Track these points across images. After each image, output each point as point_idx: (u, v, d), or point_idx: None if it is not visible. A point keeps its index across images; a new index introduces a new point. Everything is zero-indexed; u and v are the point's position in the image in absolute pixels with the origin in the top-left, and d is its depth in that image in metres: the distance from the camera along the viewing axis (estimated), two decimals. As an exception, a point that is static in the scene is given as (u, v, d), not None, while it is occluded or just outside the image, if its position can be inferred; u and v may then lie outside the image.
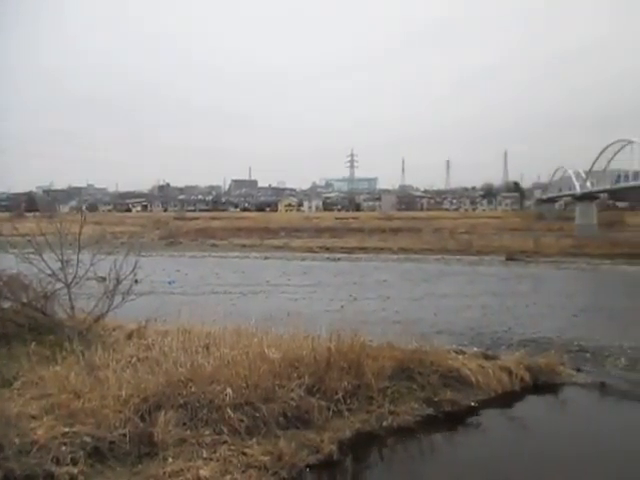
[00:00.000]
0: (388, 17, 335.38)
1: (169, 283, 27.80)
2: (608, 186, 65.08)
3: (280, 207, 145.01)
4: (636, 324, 18.35)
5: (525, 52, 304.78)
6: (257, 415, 8.08)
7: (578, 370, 12.31)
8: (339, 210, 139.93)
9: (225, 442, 7.48)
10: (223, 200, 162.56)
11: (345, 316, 13.10)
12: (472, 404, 10.13)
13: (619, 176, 62.58)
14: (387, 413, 9.17)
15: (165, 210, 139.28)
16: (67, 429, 7.06)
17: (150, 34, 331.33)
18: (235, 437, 7.65)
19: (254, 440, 7.65)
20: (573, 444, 8.98)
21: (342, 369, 9.53)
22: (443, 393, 10.13)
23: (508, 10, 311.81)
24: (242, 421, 7.89)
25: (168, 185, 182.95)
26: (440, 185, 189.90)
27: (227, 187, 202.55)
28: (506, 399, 10.64)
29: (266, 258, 43.82)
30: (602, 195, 77.97)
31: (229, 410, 7.92)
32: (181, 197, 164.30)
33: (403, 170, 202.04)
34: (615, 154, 60.56)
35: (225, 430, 7.70)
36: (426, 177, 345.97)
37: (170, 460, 6.93)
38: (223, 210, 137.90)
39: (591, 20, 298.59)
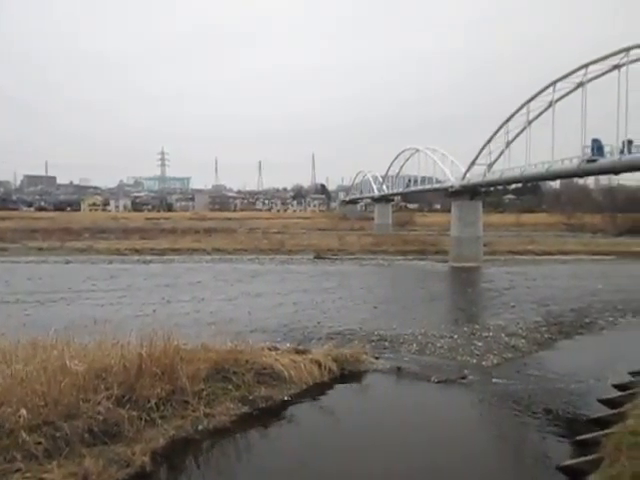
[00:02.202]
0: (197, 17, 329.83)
1: (-57, 294, 23.87)
2: (400, 189, 72.56)
3: (83, 206, 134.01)
4: (424, 312, 20.85)
5: (343, 58, 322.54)
6: (58, 435, 7.38)
7: (378, 357, 13.59)
8: (150, 210, 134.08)
9: (19, 470, 6.70)
10: (14, 198, 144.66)
11: (158, 320, 12.65)
12: (286, 398, 10.55)
13: (409, 180, 70.07)
14: (203, 416, 9.09)
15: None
16: None
17: None
18: (31, 462, 6.89)
19: (55, 463, 6.97)
20: (374, 425, 9.86)
21: (155, 375, 9.18)
22: (258, 390, 10.38)
23: (334, 14, 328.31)
24: (39, 443, 7.13)
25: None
26: (253, 185, 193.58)
27: (18, 183, 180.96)
28: (317, 390, 11.29)
29: (67, 262, 40.08)
30: (396, 197, 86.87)
31: (23, 433, 7.10)
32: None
33: (216, 170, 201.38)
34: (406, 160, 67.68)
35: (19, 456, 6.89)
36: (239, 177, 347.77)
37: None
38: (14, 209, 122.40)
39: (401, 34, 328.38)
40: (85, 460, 7.06)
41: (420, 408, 10.86)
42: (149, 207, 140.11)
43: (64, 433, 7.42)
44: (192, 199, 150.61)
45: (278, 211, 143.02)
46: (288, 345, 13.70)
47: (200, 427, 8.87)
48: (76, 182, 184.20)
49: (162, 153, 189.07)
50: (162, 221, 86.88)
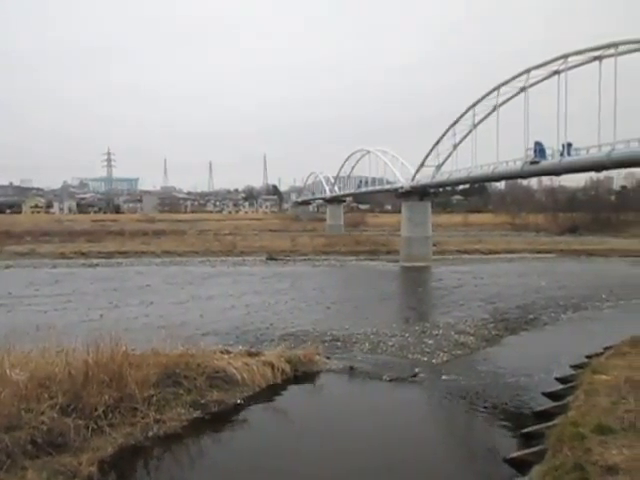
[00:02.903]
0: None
1: None
2: (352, 190, 73.24)
3: (25, 208, 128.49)
4: (376, 312, 21.12)
5: (294, 58, 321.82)
6: (-2, 447, 7.06)
7: (331, 358, 13.68)
8: (96, 212, 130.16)
9: (-45, 485, 6.38)
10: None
11: (105, 325, 12.30)
12: (238, 402, 10.46)
13: (361, 182, 70.84)
14: (153, 422, 8.89)
15: None
16: None
17: None
18: (-31, 478, 6.56)
19: (-5, 477, 6.66)
20: (327, 426, 9.94)
21: (102, 382, 8.92)
22: (210, 394, 10.24)
23: (293, 14, 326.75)
24: (-22, 457, 6.80)
25: None
26: (204, 187, 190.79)
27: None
28: (270, 392, 11.26)
29: (8, 267, 38.39)
30: (348, 198, 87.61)
31: (-40, 448, 6.76)
32: None
33: (165, 171, 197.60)
34: (357, 162, 68.55)
35: (-46, 472, 6.56)
36: (190, 178, 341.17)
37: None
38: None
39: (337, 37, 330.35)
40: (28, 473, 6.79)
41: (372, 407, 10.98)
42: (95, 209, 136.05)
43: (5, 445, 7.11)
44: (140, 200, 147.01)
45: (230, 212, 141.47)
46: (241, 348, 13.60)
47: (150, 434, 8.67)
48: (16, 183, 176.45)
49: (108, 153, 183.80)
50: (109, 223, 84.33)
